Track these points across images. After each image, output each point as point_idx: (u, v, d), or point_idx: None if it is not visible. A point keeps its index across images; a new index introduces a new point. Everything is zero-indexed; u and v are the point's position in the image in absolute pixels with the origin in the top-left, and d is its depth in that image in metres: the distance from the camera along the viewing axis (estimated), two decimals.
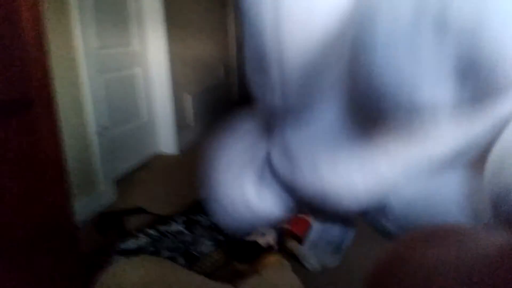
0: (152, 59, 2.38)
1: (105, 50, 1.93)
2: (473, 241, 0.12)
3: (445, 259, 0.12)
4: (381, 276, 0.13)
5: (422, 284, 0.11)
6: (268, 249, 1.17)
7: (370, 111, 0.27)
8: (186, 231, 1.42)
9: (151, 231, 1.42)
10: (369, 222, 0.60)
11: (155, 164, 2.35)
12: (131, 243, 1.35)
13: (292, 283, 0.98)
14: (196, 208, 1.58)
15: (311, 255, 1.23)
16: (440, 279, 0.11)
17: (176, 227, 1.45)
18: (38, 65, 0.86)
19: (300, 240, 1.26)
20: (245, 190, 0.65)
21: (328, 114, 0.33)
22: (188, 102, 2.70)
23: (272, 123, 0.46)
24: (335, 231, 1.21)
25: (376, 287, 0.13)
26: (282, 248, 1.23)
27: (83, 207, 1.60)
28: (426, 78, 0.23)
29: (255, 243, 1.17)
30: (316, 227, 1.23)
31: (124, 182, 2.02)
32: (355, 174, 0.34)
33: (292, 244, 1.28)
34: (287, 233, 1.24)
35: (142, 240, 1.37)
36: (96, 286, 0.97)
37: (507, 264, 0.11)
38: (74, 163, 1.59)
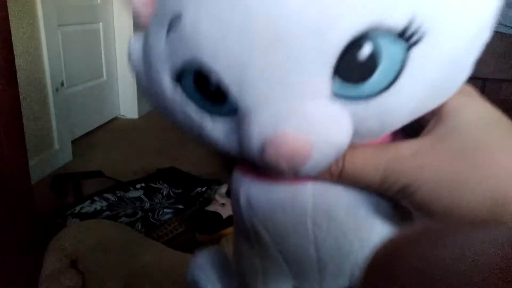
0: (115, 15, 2.26)
1: (64, 2, 1.80)
2: (475, 238, 0.13)
3: (444, 258, 0.12)
4: (375, 273, 0.13)
5: (419, 283, 0.11)
6: (229, 220, 1.18)
7: None
8: (145, 198, 1.40)
9: (108, 196, 1.39)
10: None
11: (115, 127, 2.27)
12: (87, 207, 1.32)
13: None
14: (156, 176, 1.56)
15: None
16: (439, 279, 0.11)
17: (134, 193, 1.43)
18: None
19: None
20: None
21: None
22: None
23: None
24: None
25: (370, 284, 0.13)
26: None
27: (37, 166, 1.53)
28: None
29: (216, 213, 1.18)
30: None
31: (81, 143, 1.95)
32: None
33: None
34: None
35: (99, 204, 1.34)
36: (51, 247, 0.95)
37: (509, 264, 0.11)
38: (29, 119, 1.51)
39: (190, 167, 1.64)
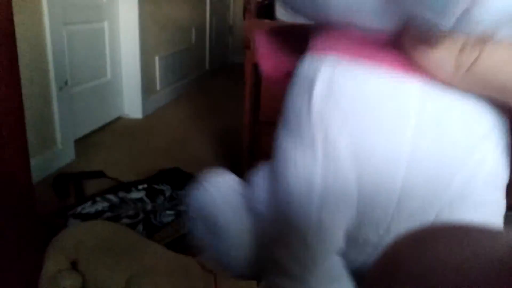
0: (121, 14, 2.26)
1: (70, 0, 1.80)
2: (481, 241, 0.12)
3: (449, 261, 0.11)
4: (377, 278, 0.13)
5: (428, 284, 0.11)
6: None
7: None
8: (147, 199, 1.39)
9: (110, 196, 1.38)
10: None
11: (118, 127, 2.27)
12: (89, 207, 1.31)
13: None
14: (159, 177, 1.55)
15: None
16: (442, 283, 0.11)
17: (136, 194, 1.42)
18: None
19: None
20: None
21: None
22: (156, 65, 2.60)
23: None
24: None
25: (379, 284, 0.13)
26: None
27: (39, 165, 1.52)
28: None
29: None
30: None
31: (84, 143, 1.94)
32: None
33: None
34: None
35: (101, 204, 1.33)
36: (52, 247, 0.94)
37: None
38: (33, 118, 1.50)
39: (194, 168, 1.63)
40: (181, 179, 1.54)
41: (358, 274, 0.22)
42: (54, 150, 1.66)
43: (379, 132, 0.20)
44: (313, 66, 0.21)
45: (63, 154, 1.70)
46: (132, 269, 0.90)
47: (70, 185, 1.46)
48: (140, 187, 1.47)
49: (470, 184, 0.20)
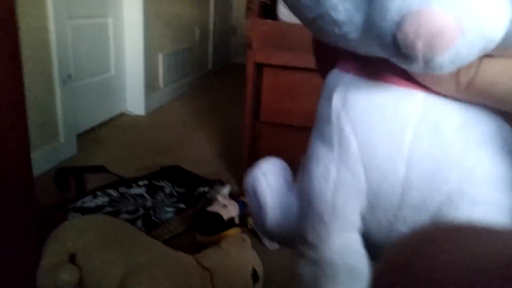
0: (126, 10, 2.26)
1: None
2: (493, 243, 0.12)
3: (459, 261, 0.11)
4: (385, 280, 0.13)
5: (437, 283, 0.11)
6: (230, 222, 1.17)
7: None
8: (147, 196, 1.40)
9: (111, 191, 1.39)
10: None
11: (121, 123, 2.27)
12: (89, 201, 1.32)
13: (251, 259, 0.99)
14: (160, 174, 1.55)
15: None
16: (458, 279, 0.11)
17: (137, 190, 1.42)
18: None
19: None
20: None
21: None
22: (159, 62, 2.60)
23: None
24: None
25: (387, 282, 0.13)
26: (243, 222, 1.24)
27: (41, 158, 1.53)
28: None
29: (217, 215, 1.17)
30: None
31: (87, 137, 1.95)
32: None
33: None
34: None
35: (101, 199, 1.34)
36: (51, 240, 0.95)
37: None
38: (36, 111, 1.51)
39: (194, 166, 1.64)
40: (182, 176, 1.55)
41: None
42: (56, 143, 1.66)
43: (381, 136, 0.24)
44: (335, 81, 0.27)
45: (65, 148, 1.71)
46: (129, 263, 0.91)
47: (71, 178, 1.47)
48: (140, 183, 1.47)
49: (467, 182, 0.23)
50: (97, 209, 1.28)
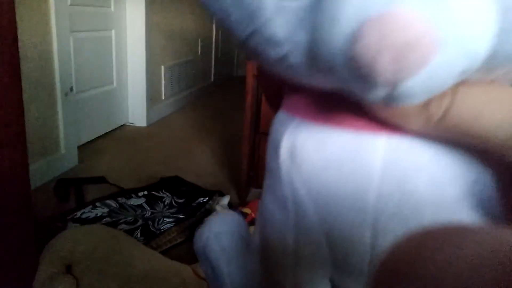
0: (128, 23, 2.29)
1: (78, 7, 1.83)
2: (489, 242, 0.12)
3: (464, 259, 0.11)
4: (389, 277, 0.12)
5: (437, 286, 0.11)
6: None
7: None
8: (146, 206, 1.39)
9: (110, 202, 1.39)
10: None
11: (122, 134, 2.28)
12: (88, 212, 1.32)
13: None
14: (159, 184, 1.55)
15: None
16: (459, 281, 0.10)
17: (136, 201, 1.42)
18: (1, 13, 0.80)
19: None
20: None
21: None
22: (161, 75, 2.62)
23: None
24: None
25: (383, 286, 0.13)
26: None
27: (42, 169, 1.53)
28: None
29: None
30: None
31: (88, 149, 1.96)
32: None
33: (252, 230, 1.28)
34: (248, 218, 1.24)
35: (100, 210, 1.34)
36: (47, 250, 0.95)
37: None
38: (37, 122, 1.52)
39: (194, 177, 1.64)
40: (182, 187, 1.54)
41: None
42: (57, 155, 1.67)
43: (341, 199, 0.19)
44: (281, 127, 0.21)
45: (66, 159, 1.72)
46: (127, 274, 0.90)
47: (71, 189, 1.47)
48: (140, 194, 1.47)
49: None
50: (96, 220, 1.28)
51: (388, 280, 0.12)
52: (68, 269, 0.91)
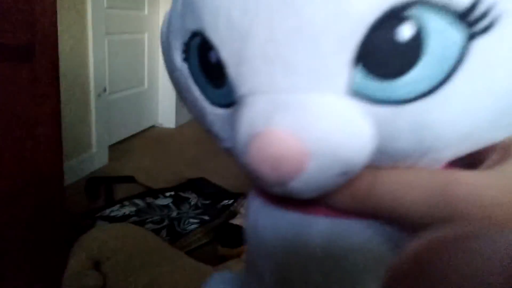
0: (161, 25, 2.34)
1: (113, 10, 1.88)
2: (503, 240, 0.11)
3: (474, 263, 0.11)
4: (399, 283, 0.12)
5: None
6: None
7: None
8: (173, 207, 1.41)
9: (138, 201, 1.42)
10: None
11: (152, 135, 2.33)
12: (116, 210, 1.35)
13: None
14: (186, 185, 1.57)
15: None
16: (468, 284, 0.10)
17: (163, 201, 1.45)
18: (45, 14, 0.84)
19: None
20: None
21: None
22: None
23: None
24: None
25: None
26: None
27: (74, 167, 1.58)
28: None
29: (240, 228, 1.17)
30: None
31: (118, 148, 2.00)
32: None
33: None
34: None
35: (128, 209, 1.37)
36: (76, 247, 0.97)
37: None
38: (71, 122, 1.57)
39: (220, 179, 1.65)
40: (208, 189, 1.56)
41: None
42: (89, 153, 1.72)
43: (293, 270, 0.20)
44: (249, 207, 0.23)
45: (97, 158, 1.77)
46: (152, 273, 0.92)
47: (101, 188, 1.51)
48: (167, 194, 1.50)
49: None
50: (124, 218, 1.31)
51: (404, 279, 0.12)
52: (97, 266, 0.93)
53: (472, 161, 0.18)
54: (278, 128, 0.15)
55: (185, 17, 0.18)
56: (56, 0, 0.85)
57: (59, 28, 0.89)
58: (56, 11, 0.86)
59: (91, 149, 1.74)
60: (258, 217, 0.22)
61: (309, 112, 0.15)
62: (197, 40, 0.18)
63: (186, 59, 0.19)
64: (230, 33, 0.16)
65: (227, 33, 0.16)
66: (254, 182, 0.17)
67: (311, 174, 0.15)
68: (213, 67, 0.18)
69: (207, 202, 1.46)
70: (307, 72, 0.15)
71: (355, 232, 0.19)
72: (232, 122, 0.18)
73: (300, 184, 0.16)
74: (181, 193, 1.51)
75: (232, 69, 0.17)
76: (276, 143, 0.15)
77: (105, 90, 1.79)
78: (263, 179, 0.16)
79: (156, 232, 1.22)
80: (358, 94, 0.15)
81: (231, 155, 0.20)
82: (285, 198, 0.19)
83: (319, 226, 0.19)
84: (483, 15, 0.13)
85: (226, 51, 0.16)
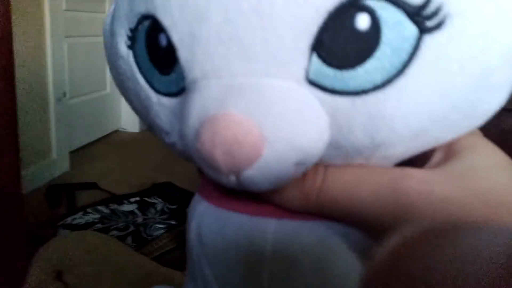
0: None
1: (73, 12, 1.83)
2: (480, 238, 0.11)
3: (448, 260, 0.11)
4: (380, 278, 0.12)
5: None
6: None
7: None
8: (138, 212, 1.39)
9: (101, 208, 1.38)
10: None
11: (115, 140, 2.27)
12: (79, 218, 1.31)
13: None
14: (152, 190, 1.55)
15: None
16: (445, 283, 0.10)
17: (128, 207, 1.42)
18: None
19: None
20: None
21: None
22: None
23: None
24: None
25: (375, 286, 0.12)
26: None
27: (33, 175, 1.52)
28: None
29: None
30: None
31: (80, 154, 1.94)
32: None
33: None
34: None
35: (91, 216, 1.33)
36: (37, 258, 0.93)
37: None
38: (29, 127, 1.51)
39: (186, 183, 1.63)
40: (174, 193, 1.54)
41: None
42: (49, 160, 1.66)
43: (239, 273, 0.20)
44: (193, 209, 0.22)
45: (58, 165, 1.71)
46: (118, 281, 0.90)
47: (62, 195, 1.46)
48: (132, 199, 1.47)
49: None
50: (87, 226, 1.27)
51: (381, 281, 0.12)
52: (59, 276, 0.90)
53: (417, 161, 0.18)
54: (233, 112, 0.14)
55: (134, 0, 0.18)
56: (9, 3, 0.82)
57: (14, 30, 0.86)
58: (10, 15, 0.83)
59: (51, 155, 1.68)
60: (203, 222, 0.21)
61: (265, 96, 0.15)
62: (146, 23, 0.17)
63: (131, 46, 0.19)
64: (183, 13, 0.15)
65: (180, 14, 0.15)
66: (205, 172, 0.16)
67: (266, 162, 0.15)
68: (162, 52, 0.17)
69: (174, 206, 1.45)
70: (264, 56, 0.14)
71: (306, 233, 0.18)
72: (180, 110, 0.17)
73: (255, 172, 0.15)
74: (147, 199, 1.48)
75: (183, 52, 0.16)
76: (231, 126, 0.14)
77: (65, 94, 1.73)
78: (215, 167, 0.15)
79: (122, 239, 1.19)
80: (315, 82, 0.15)
81: (175, 151, 0.19)
82: (233, 199, 0.19)
83: (269, 228, 0.18)
84: (434, 13, 0.14)
85: (178, 32, 0.16)
